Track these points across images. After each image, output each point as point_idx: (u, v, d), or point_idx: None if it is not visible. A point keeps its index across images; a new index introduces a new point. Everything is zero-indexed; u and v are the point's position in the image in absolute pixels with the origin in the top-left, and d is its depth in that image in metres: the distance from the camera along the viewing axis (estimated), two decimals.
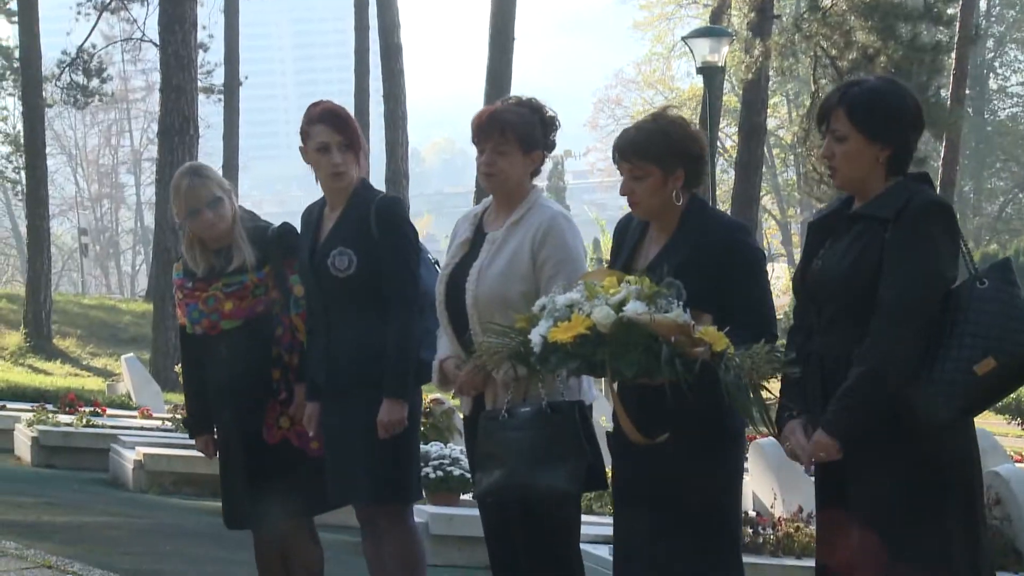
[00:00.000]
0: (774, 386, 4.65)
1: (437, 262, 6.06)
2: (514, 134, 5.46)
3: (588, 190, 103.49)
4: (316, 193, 6.08)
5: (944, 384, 4.43)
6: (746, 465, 11.62)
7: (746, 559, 8.42)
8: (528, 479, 5.12)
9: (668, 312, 4.41)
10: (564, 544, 5.51)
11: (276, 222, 6.38)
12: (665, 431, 4.65)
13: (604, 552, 8.38)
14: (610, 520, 9.66)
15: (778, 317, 4.98)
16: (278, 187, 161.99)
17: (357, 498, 5.93)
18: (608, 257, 5.67)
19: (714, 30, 25.89)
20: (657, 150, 4.85)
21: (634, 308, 4.40)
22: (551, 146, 5.70)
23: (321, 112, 5.82)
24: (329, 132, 5.74)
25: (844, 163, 4.72)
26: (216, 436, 6.49)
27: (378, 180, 37.78)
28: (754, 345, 4.48)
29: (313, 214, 5.96)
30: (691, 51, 25.12)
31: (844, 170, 4.75)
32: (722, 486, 4.93)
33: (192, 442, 6.90)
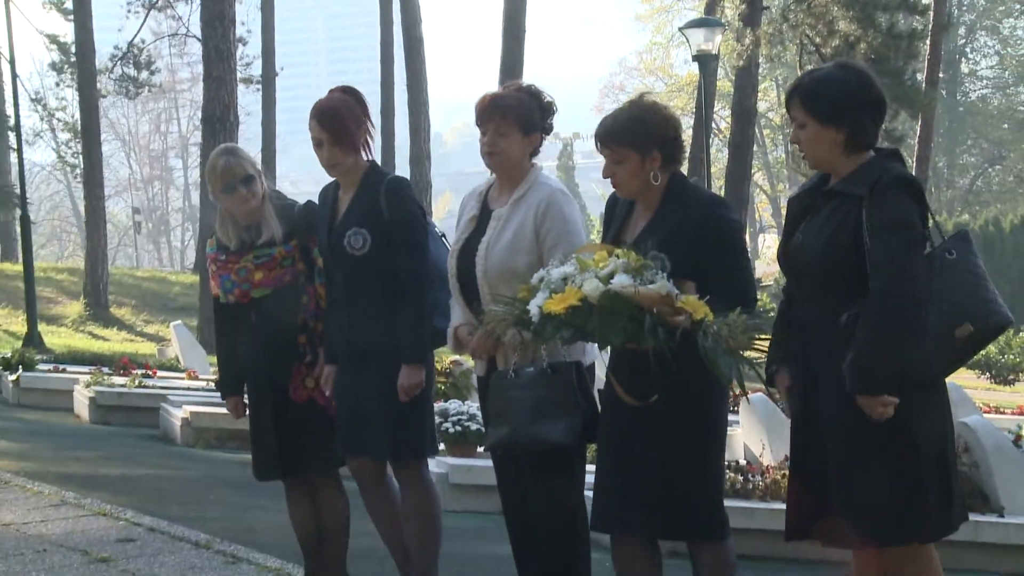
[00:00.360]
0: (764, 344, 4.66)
1: (444, 235, 6.09)
2: (514, 117, 5.49)
3: (595, 169, 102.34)
4: None
5: (929, 347, 4.50)
6: (737, 419, 11.63)
7: (737, 503, 8.51)
8: (530, 432, 5.19)
9: (653, 283, 4.42)
10: (569, 491, 5.50)
11: (313, 200, 6.36)
12: (655, 394, 4.70)
13: None
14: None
15: (768, 284, 4.99)
16: (313, 168, 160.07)
17: (376, 454, 5.92)
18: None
19: (708, 21, 25.81)
20: (633, 135, 4.85)
21: (620, 281, 4.42)
22: (549, 129, 5.70)
23: (315, 110, 5.80)
24: (319, 129, 5.74)
25: (808, 147, 4.80)
26: (246, 397, 6.51)
27: (403, 160, 37.86)
28: (731, 313, 4.46)
29: (328, 195, 5.95)
30: (687, 40, 25.05)
31: (810, 153, 4.83)
32: (706, 442, 4.94)
33: None
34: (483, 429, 8.88)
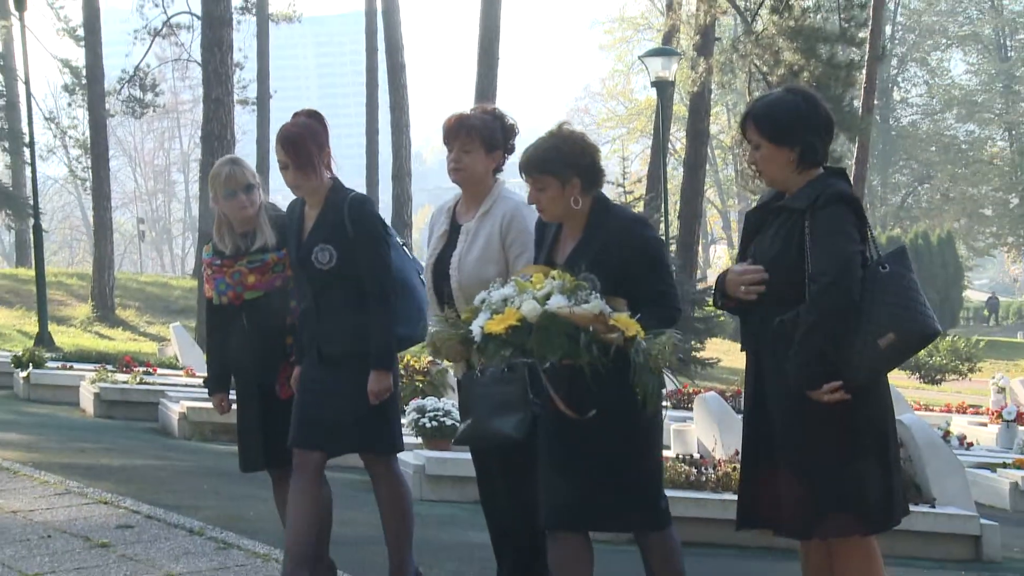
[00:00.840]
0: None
1: (406, 244, 6.05)
2: (478, 135, 5.51)
3: None
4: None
5: (855, 353, 4.46)
6: (691, 415, 11.58)
7: (690, 494, 8.46)
8: (486, 426, 5.13)
9: (587, 303, 4.41)
10: (532, 487, 5.41)
11: None
12: (592, 409, 4.65)
13: None
14: None
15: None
16: None
17: (349, 449, 5.91)
18: None
19: (665, 50, 25.96)
20: (552, 164, 4.80)
21: (556, 301, 4.41)
22: (511, 148, 5.70)
23: (279, 135, 5.70)
24: (283, 153, 5.63)
25: (764, 166, 4.78)
26: (233, 394, 6.45)
27: (386, 176, 37.91)
28: (662, 334, 4.46)
29: (295, 211, 5.83)
30: (646, 68, 25.11)
31: (766, 172, 4.80)
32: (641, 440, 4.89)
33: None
34: (456, 424, 8.88)
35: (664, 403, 4.79)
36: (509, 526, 5.61)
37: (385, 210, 39.66)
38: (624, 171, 31.62)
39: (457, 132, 5.50)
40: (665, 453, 10.10)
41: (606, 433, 4.70)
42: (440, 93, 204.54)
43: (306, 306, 5.81)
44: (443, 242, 5.63)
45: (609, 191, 32.62)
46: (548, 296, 4.45)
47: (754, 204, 5.10)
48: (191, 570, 6.75)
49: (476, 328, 4.57)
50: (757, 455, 4.77)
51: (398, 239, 5.88)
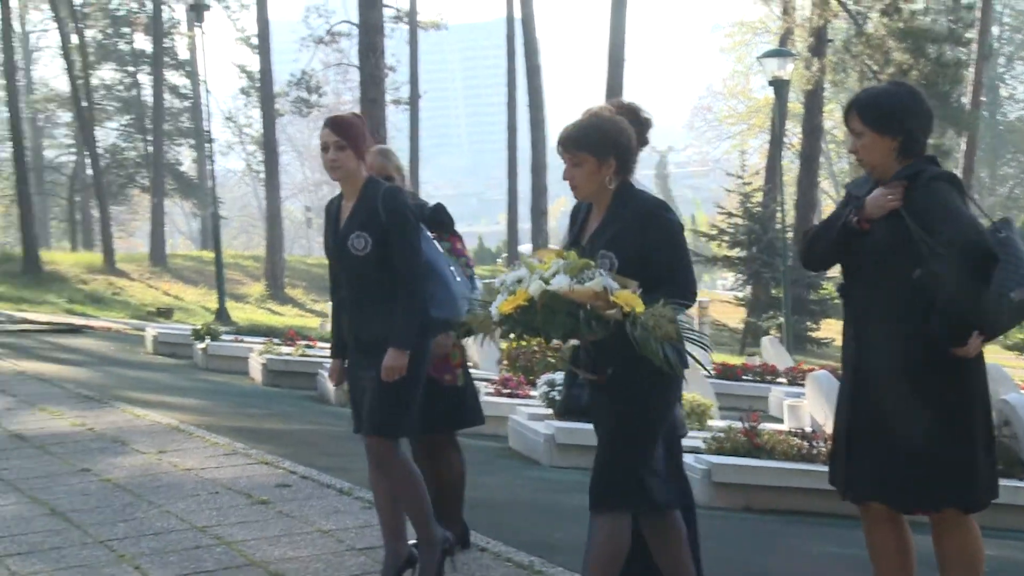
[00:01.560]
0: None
1: (435, 236, 5.85)
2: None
3: (687, 176, 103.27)
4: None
5: (991, 308, 4.32)
6: (804, 392, 11.34)
7: (802, 466, 8.24)
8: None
9: (592, 281, 4.21)
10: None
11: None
12: (609, 368, 4.48)
13: (690, 459, 8.20)
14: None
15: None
16: (451, 175, 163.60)
17: (361, 431, 5.62)
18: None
19: (781, 52, 25.46)
20: (591, 141, 4.53)
21: (558, 281, 4.21)
22: (645, 141, 5.41)
23: (328, 119, 5.51)
24: (329, 133, 5.36)
25: (865, 154, 4.59)
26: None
27: (525, 169, 37.83)
28: (656, 305, 4.20)
29: (333, 205, 5.57)
30: (763, 68, 24.68)
31: (866, 159, 4.62)
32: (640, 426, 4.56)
33: None
34: None
35: (706, 369, 4.57)
36: None
37: (524, 200, 39.75)
38: (743, 164, 31.28)
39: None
40: (778, 427, 9.90)
41: (613, 417, 4.48)
42: (574, 91, 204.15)
43: (342, 295, 5.60)
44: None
45: (728, 182, 32.31)
46: (553, 276, 4.26)
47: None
48: (339, 527, 6.76)
49: (493, 309, 4.39)
50: (859, 428, 4.57)
51: (429, 234, 5.69)
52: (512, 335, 4.40)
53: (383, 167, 6.18)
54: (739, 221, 29.46)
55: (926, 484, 4.39)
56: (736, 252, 29.31)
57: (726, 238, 29.38)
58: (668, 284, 4.36)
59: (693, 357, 4.36)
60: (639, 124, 5.35)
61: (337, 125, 5.36)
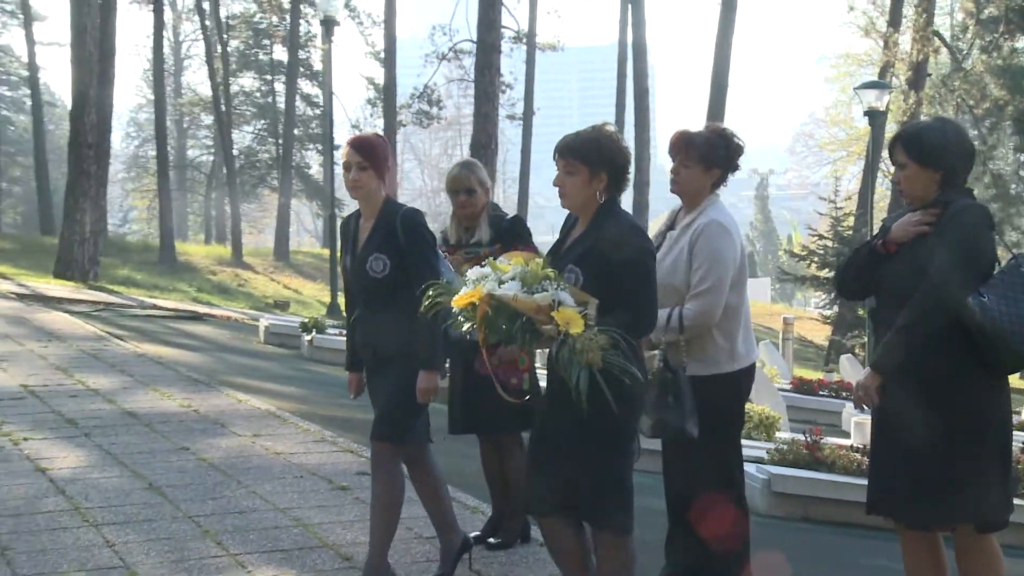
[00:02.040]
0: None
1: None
2: (696, 152, 5.19)
3: (786, 199, 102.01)
4: None
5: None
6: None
7: (861, 480, 8.01)
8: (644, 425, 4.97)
9: (541, 294, 4.04)
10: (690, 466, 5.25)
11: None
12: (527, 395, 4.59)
13: (752, 469, 8.06)
14: (754, 444, 9.29)
15: None
16: None
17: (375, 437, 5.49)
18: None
19: (878, 83, 25.03)
20: (587, 152, 4.35)
21: (508, 288, 4.06)
22: (735, 167, 5.33)
23: (351, 139, 5.36)
24: (351, 153, 5.20)
25: (907, 185, 4.50)
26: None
27: (629, 187, 37.64)
28: (599, 334, 3.98)
29: (350, 224, 5.43)
30: (860, 99, 24.25)
31: (907, 190, 4.55)
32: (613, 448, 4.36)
33: None
34: None
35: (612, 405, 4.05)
36: (680, 499, 5.39)
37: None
38: (836, 189, 30.81)
39: (678, 147, 5.22)
40: (843, 442, 9.66)
41: (587, 434, 4.25)
42: (680, 113, 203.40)
43: (359, 313, 5.42)
44: (656, 243, 5.28)
45: (821, 206, 31.84)
46: (510, 280, 4.13)
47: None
48: (409, 516, 6.72)
49: (452, 304, 4.31)
50: (880, 446, 4.54)
51: (442, 254, 5.57)
52: (463, 329, 4.27)
53: (459, 181, 6.18)
54: (829, 244, 29.13)
55: (932, 501, 4.30)
56: (825, 273, 28.98)
57: (815, 259, 29.06)
58: (627, 309, 4.18)
59: (604, 390, 3.97)
60: (731, 149, 5.25)
61: (360, 146, 5.23)
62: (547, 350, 4.23)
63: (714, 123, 5.60)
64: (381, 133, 5.85)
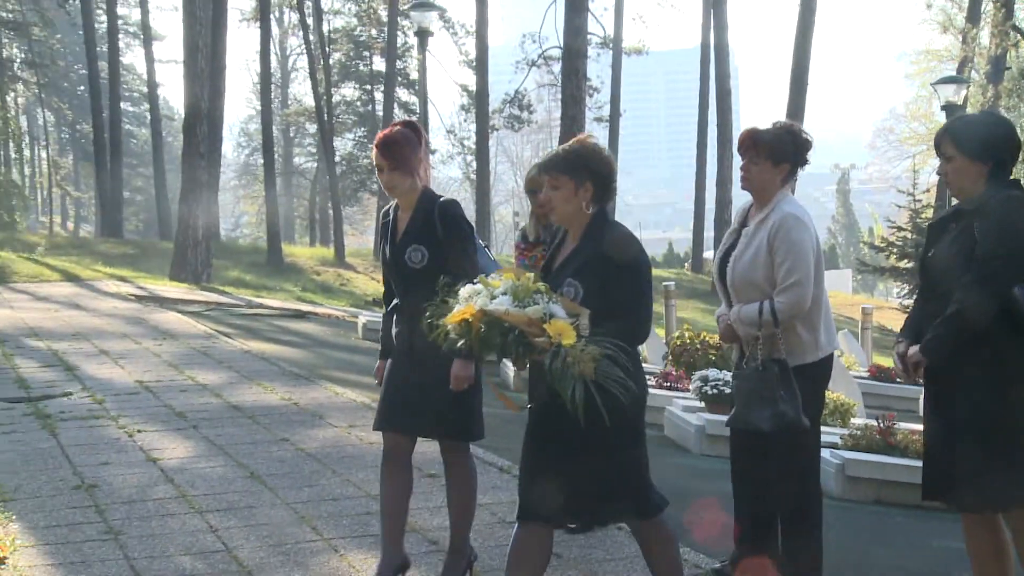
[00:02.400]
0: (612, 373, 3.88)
1: (487, 246, 5.52)
2: (765, 149, 5.14)
3: (868, 193, 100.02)
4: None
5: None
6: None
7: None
8: (746, 416, 5.03)
9: (532, 307, 3.88)
10: (770, 469, 5.15)
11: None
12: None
13: (827, 454, 7.96)
14: (829, 430, 9.14)
15: None
16: (650, 186, 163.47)
17: (433, 435, 5.37)
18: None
19: (955, 78, 24.54)
20: (570, 165, 4.20)
21: (499, 303, 3.91)
22: (804, 161, 5.28)
23: (377, 140, 5.11)
24: (380, 156, 5.03)
25: (954, 177, 4.40)
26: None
27: (711, 182, 37.33)
28: (590, 345, 3.82)
29: (390, 215, 5.23)
30: (937, 94, 23.76)
31: (954, 183, 4.45)
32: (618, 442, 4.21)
33: None
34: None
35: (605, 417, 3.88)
36: (750, 496, 5.32)
37: (709, 212, 39.26)
38: (914, 182, 30.20)
39: (747, 145, 5.18)
40: (916, 427, 9.46)
41: (582, 433, 4.02)
42: (761, 111, 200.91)
43: (394, 304, 5.27)
44: (730, 240, 5.34)
45: (901, 199, 31.23)
46: (501, 295, 3.95)
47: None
48: (494, 501, 6.79)
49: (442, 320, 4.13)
50: (938, 434, 4.44)
51: (481, 242, 5.36)
52: (458, 345, 4.08)
53: (536, 181, 6.19)
54: (908, 235, 28.58)
55: (985, 485, 4.25)
56: (904, 263, 28.41)
57: (895, 250, 28.51)
58: (621, 319, 4.03)
59: (596, 402, 3.80)
60: (798, 144, 5.21)
61: (386, 147, 5.05)
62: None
63: (781, 120, 5.54)
64: (412, 120, 5.51)
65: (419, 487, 7.01)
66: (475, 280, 4.15)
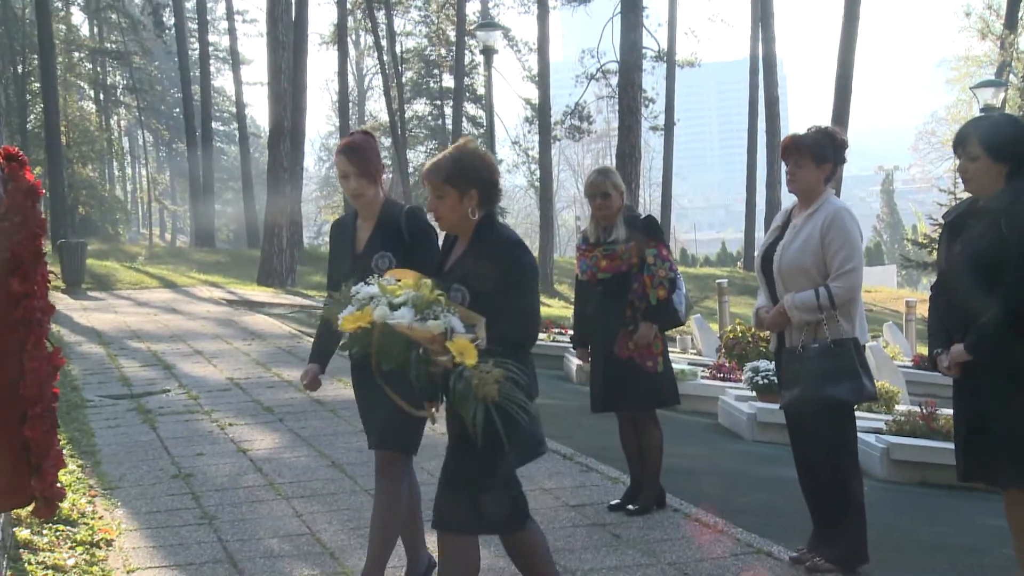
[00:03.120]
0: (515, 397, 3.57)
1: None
2: (808, 152, 5.14)
3: (911, 192, 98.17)
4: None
5: None
6: None
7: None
8: (817, 393, 4.97)
9: (436, 319, 3.55)
10: (838, 439, 5.11)
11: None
12: (429, 404, 3.90)
13: (872, 439, 7.86)
14: (874, 416, 9.01)
15: None
16: (704, 189, 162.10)
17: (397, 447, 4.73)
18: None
19: (993, 82, 24.07)
20: (452, 174, 3.90)
21: (402, 314, 3.55)
22: (842, 160, 5.29)
23: (342, 147, 4.76)
24: (345, 162, 4.68)
25: (976, 175, 4.32)
26: (589, 349, 6.40)
27: (761, 184, 36.88)
28: (494, 367, 3.51)
29: (347, 226, 4.88)
30: (976, 97, 23.33)
31: (976, 181, 4.33)
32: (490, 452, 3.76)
33: None
34: None
35: (504, 440, 3.61)
36: (816, 468, 5.24)
37: (759, 213, 38.92)
38: (955, 182, 29.61)
39: (790, 150, 5.18)
40: None
41: (471, 445, 3.67)
42: (807, 115, 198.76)
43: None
44: (774, 235, 5.34)
45: (943, 198, 30.68)
46: (401, 305, 3.59)
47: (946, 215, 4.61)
48: (558, 486, 6.77)
49: (339, 319, 3.66)
50: (970, 416, 4.36)
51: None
52: (353, 352, 3.74)
53: (595, 186, 6.21)
54: None
55: (1021, 461, 4.13)
56: None
57: (936, 246, 28.16)
58: (506, 323, 3.74)
59: (497, 425, 3.53)
60: (836, 144, 5.23)
61: (352, 152, 4.71)
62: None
63: (816, 124, 5.53)
64: (368, 130, 5.12)
65: None
66: (369, 280, 3.77)
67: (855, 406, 5.22)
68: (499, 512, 3.89)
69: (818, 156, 5.12)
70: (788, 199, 5.59)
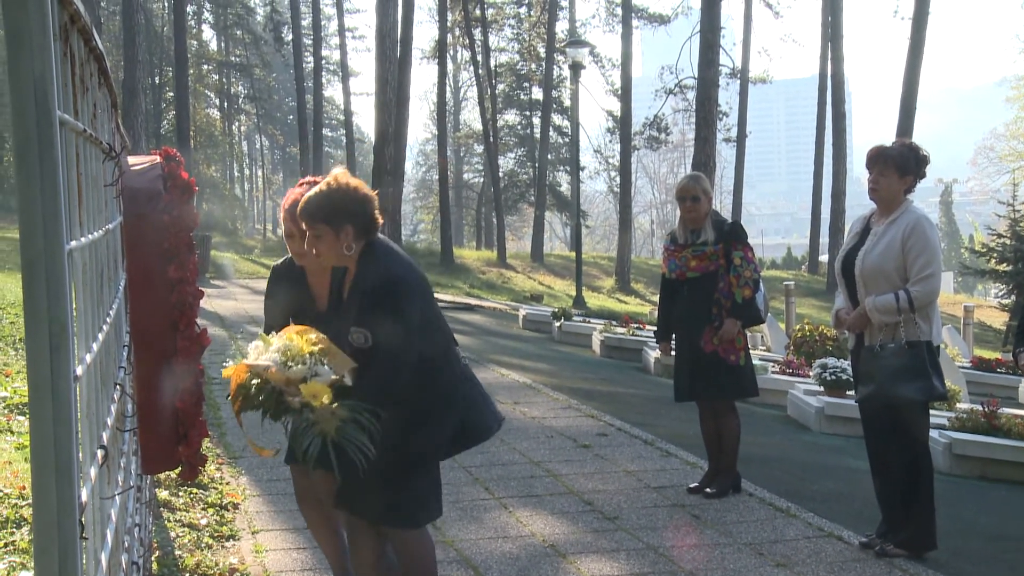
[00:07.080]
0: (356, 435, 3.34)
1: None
2: (893, 163, 5.11)
3: (969, 204, 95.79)
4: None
5: None
6: None
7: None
8: (890, 390, 4.95)
9: (295, 368, 3.30)
10: (911, 436, 5.03)
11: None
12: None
13: (935, 434, 7.70)
14: (937, 412, 8.79)
15: None
16: (771, 198, 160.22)
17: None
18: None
19: None
20: (324, 213, 3.54)
21: (266, 358, 3.35)
22: (923, 174, 5.21)
23: (287, 205, 4.06)
24: (291, 223, 4.03)
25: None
26: (674, 343, 6.37)
27: (827, 194, 36.21)
28: (336, 407, 3.29)
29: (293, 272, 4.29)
30: None
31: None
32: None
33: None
34: (850, 379, 8.39)
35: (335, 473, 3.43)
36: (889, 460, 5.16)
37: (824, 221, 38.21)
38: (1014, 194, 28.78)
39: (876, 160, 5.14)
40: (1018, 412, 9.04)
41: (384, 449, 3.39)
42: (874, 131, 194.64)
43: None
44: (854, 241, 5.29)
45: (1000, 209, 29.81)
46: (269, 355, 3.38)
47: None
48: (640, 469, 6.75)
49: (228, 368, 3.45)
50: None
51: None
52: (227, 397, 3.52)
53: (686, 190, 6.18)
54: (1007, 241, 27.37)
55: None
56: (1003, 267, 27.20)
57: (995, 255, 27.32)
58: (374, 373, 3.45)
59: (354, 448, 3.31)
60: (919, 159, 5.17)
61: (298, 212, 3.76)
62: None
63: (903, 139, 5.46)
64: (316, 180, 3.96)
65: (573, 455, 7.04)
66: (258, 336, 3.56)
67: (927, 404, 5.13)
68: (401, 507, 3.66)
69: (902, 168, 5.08)
70: (852, 208, 5.57)
